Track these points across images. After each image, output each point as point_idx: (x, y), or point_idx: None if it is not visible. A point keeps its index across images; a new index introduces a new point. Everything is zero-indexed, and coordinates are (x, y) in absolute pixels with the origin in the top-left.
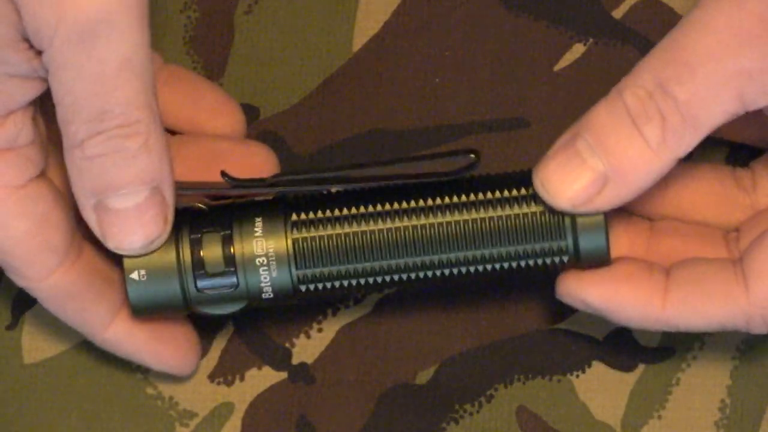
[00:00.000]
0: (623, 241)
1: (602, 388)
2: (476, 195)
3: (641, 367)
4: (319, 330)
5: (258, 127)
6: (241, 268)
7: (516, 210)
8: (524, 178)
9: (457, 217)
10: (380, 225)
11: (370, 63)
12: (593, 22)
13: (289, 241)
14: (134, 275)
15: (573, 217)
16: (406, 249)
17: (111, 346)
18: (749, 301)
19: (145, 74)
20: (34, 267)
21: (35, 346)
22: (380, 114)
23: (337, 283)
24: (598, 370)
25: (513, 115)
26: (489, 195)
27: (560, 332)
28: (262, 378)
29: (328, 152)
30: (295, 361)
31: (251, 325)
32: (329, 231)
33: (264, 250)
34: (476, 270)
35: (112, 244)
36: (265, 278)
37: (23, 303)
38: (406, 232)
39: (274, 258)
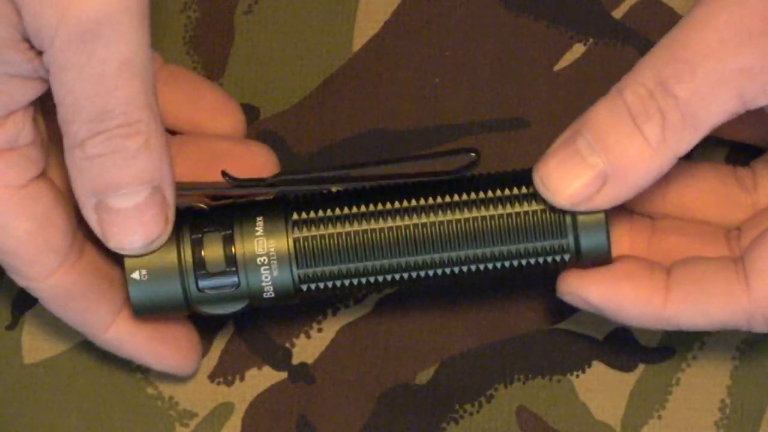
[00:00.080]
0: (624, 239)
1: (602, 388)
2: (477, 193)
3: (641, 367)
4: (319, 330)
5: (258, 127)
6: (242, 267)
7: (517, 208)
8: (525, 177)
9: (458, 215)
10: (381, 224)
11: (370, 63)
12: (593, 22)
13: (290, 241)
14: (135, 275)
15: (574, 215)
16: (407, 248)
17: (112, 346)
18: (750, 299)
19: (145, 74)
20: (36, 267)
21: (35, 346)
22: (380, 114)
23: (338, 283)
24: (598, 370)
25: (513, 115)
26: (490, 193)
27: (560, 332)
28: (262, 378)
29: (328, 152)
30: (295, 361)
31: (251, 325)
32: (330, 230)
33: (265, 250)
34: (477, 269)
35: (112, 244)
36: (266, 278)
37: (23, 303)
38: (407, 231)
39: (275, 257)
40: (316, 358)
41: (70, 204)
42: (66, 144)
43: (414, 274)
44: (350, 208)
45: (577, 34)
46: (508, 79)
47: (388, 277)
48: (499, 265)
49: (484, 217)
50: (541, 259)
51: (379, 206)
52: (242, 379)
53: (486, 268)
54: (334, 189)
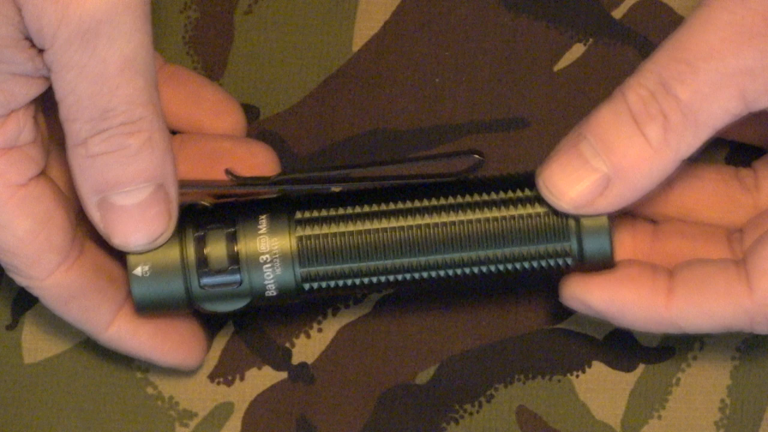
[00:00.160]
0: (627, 244)
1: (602, 388)
2: (481, 195)
3: (641, 367)
4: (319, 330)
5: (258, 127)
6: (244, 265)
7: (521, 211)
8: (529, 179)
9: (461, 216)
10: (384, 224)
11: (370, 63)
12: (593, 22)
13: (294, 239)
14: (138, 271)
15: (577, 219)
16: (409, 248)
17: (114, 344)
18: (753, 300)
19: (147, 72)
20: (36, 266)
21: (35, 346)
22: (380, 114)
23: (340, 282)
24: (598, 370)
25: (513, 115)
26: (494, 195)
27: (560, 332)
28: (262, 378)
29: (328, 152)
30: (295, 361)
31: (251, 325)
32: (333, 229)
33: (268, 248)
34: (480, 271)
35: (116, 241)
36: (268, 276)
37: (23, 303)
38: (410, 232)
39: (278, 256)
40: (316, 358)
41: (71, 202)
42: (68, 142)
43: (416, 276)
44: (354, 208)
45: (577, 34)
46: (508, 79)
47: (390, 278)
48: (501, 268)
49: (487, 219)
50: (543, 263)
51: (383, 206)
52: (242, 379)
53: (489, 270)
54: (337, 189)
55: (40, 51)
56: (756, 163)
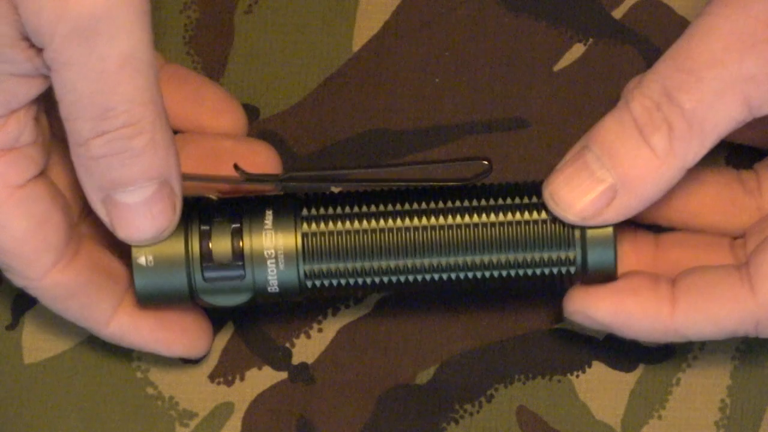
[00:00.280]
0: (629, 256)
1: (602, 388)
2: (488, 200)
3: (641, 367)
4: (319, 330)
5: (258, 127)
6: (248, 259)
7: (526, 216)
8: (536, 188)
9: (467, 220)
10: (390, 224)
11: (370, 63)
12: (593, 22)
13: (299, 235)
14: (141, 260)
15: (583, 229)
16: (414, 249)
17: (116, 338)
18: (757, 303)
19: (147, 71)
20: (33, 266)
21: (35, 346)
22: (380, 114)
23: (343, 281)
24: (598, 370)
25: (513, 115)
26: (500, 201)
27: (560, 332)
28: (262, 378)
29: (328, 152)
30: (295, 361)
31: (251, 325)
32: (339, 227)
33: (273, 243)
34: (483, 276)
35: (121, 236)
36: (272, 271)
37: (23, 303)
38: (416, 233)
39: (282, 251)
40: (316, 358)
41: (68, 202)
42: (70, 141)
43: (419, 277)
44: (360, 207)
45: (577, 34)
46: (508, 79)
47: (393, 279)
48: (504, 273)
49: (493, 224)
50: (547, 270)
51: (389, 207)
52: (242, 379)
53: (492, 276)
54: (343, 189)
55: (40, 50)
56: (758, 166)
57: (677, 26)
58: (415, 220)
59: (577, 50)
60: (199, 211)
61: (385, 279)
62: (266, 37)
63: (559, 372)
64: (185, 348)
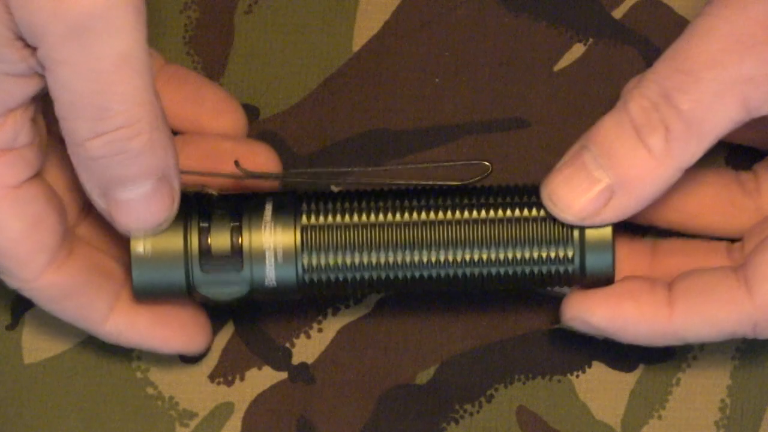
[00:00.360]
0: (626, 264)
1: (602, 388)
2: (487, 198)
3: (641, 367)
4: (319, 330)
5: (258, 127)
6: (247, 250)
7: (525, 214)
8: (535, 188)
9: (466, 216)
10: (389, 218)
11: (370, 63)
12: (593, 22)
13: (298, 228)
14: (140, 248)
15: (582, 229)
16: (413, 245)
17: (114, 337)
18: (754, 305)
19: (143, 70)
20: (28, 267)
21: (35, 346)
22: (380, 114)
23: (341, 276)
24: (598, 370)
25: (513, 115)
26: (500, 199)
27: (560, 332)
28: (262, 378)
29: (328, 152)
30: (295, 361)
31: (251, 325)
32: (338, 221)
33: (272, 235)
34: (481, 274)
35: (120, 228)
36: (270, 263)
37: (23, 303)
38: (415, 228)
39: (281, 243)
40: (316, 358)
41: (64, 204)
42: (67, 140)
43: (418, 274)
44: (359, 202)
45: (577, 34)
46: (508, 79)
47: (391, 275)
48: (503, 271)
49: (492, 220)
50: (545, 269)
51: (389, 202)
52: (242, 379)
53: (490, 273)
54: (344, 188)
55: (34, 49)
56: (757, 166)
57: (677, 26)
58: (414, 215)
59: (577, 50)
60: (199, 203)
61: (383, 275)
62: (266, 37)
63: (559, 372)
64: (183, 344)
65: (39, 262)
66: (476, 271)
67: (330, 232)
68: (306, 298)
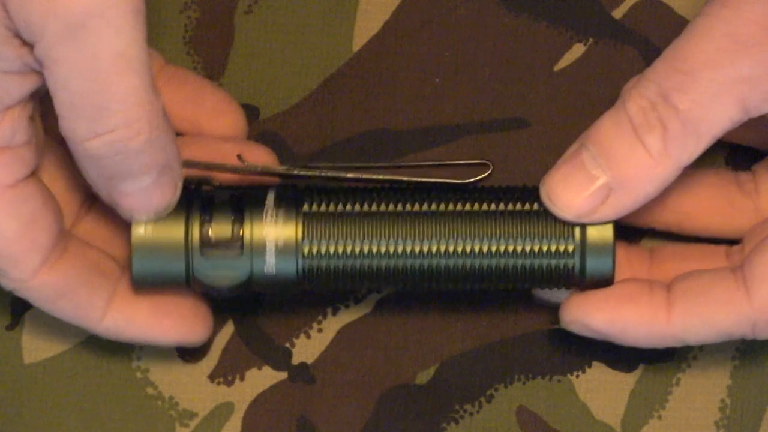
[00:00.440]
0: (624, 271)
1: (602, 388)
2: (490, 193)
3: (641, 367)
4: (319, 330)
5: (258, 127)
6: (248, 235)
7: (527, 207)
8: (535, 188)
9: (469, 207)
10: (391, 208)
11: (370, 63)
12: (593, 22)
13: (300, 215)
14: (141, 232)
15: (583, 227)
16: (412, 233)
17: (112, 333)
18: (753, 306)
19: (142, 69)
20: (22, 267)
21: (35, 346)
22: (380, 114)
23: (341, 264)
24: (598, 370)
25: (513, 115)
26: (503, 195)
27: (560, 332)
28: (262, 378)
29: (328, 152)
30: (295, 361)
31: (251, 325)
32: (340, 210)
33: (273, 221)
34: (481, 266)
35: (124, 215)
36: (270, 249)
37: (23, 303)
38: (414, 217)
39: (282, 229)
40: (316, 358)
41: (60, 204)
42: (67, 138)
43: (418, 264)
44: (362, 193)
45: (577, 34)
46: (508, 79)
47: (391, 264)
48: (503, 263)
49: (495, 212)
50: (545, 263)
51: (390, 193)
52: (242, 379)
53: (490, 267)
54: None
55: (31, 46)
56: (756, 167)
57: (677, 26)
58: (416, 206)
59: (577, 50)
60: (201, 190)
61: (384, 265)
62: (266, 37)
63: (559, 372)
64: (183, 335)
65: (33, 261)
66: (477, 263)
67: (332, 221)
68: (306, 294)
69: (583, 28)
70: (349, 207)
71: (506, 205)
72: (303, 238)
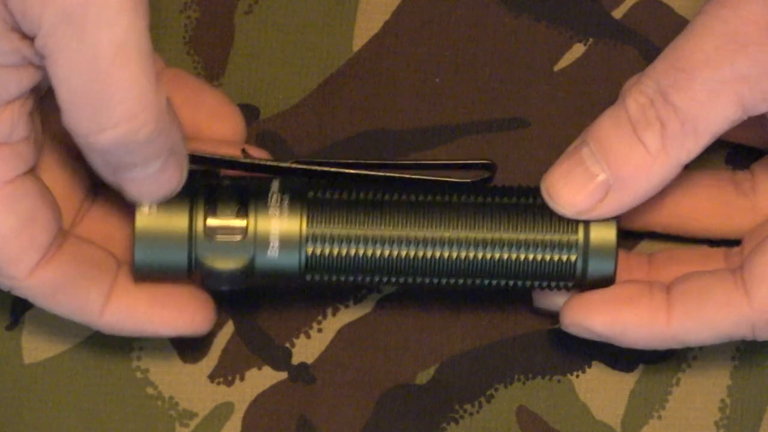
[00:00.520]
0: (624, 276)
1: (602, 388)
2: (495, 190)
3: (641, 367)
4: (319, 330)
5: (258, 127)
6: (252, 217)
7: (530, 201)
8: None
9: (474, 198)
10: (395, 196)
11: (370, 63)
12: (593, 22)
13: (305, 202)
14: (144, 214)
15: (586, 223)
16: (417, 220)
17: (112, 327)
18: (752, 307)
19: (143, 59)
20: (18, 265)
21: (35, 346)
22: (380, 114)
23: (344, 250)
24: (598, 370)
25: (513, 115)
26: (507, 189)
27: (560, 332)
28: (262, 378)
29: (328, 152)
30: (295, 361)
31: (251, 325)
32: (345, 196)
33: (278, 204)
34: (485, 256)
35: (130, 199)
36: (274, 231)
37: (23, 303)
38: (421, 206)
39: (286, 214)
40: (316, 358)
41: (58, 202)
42: (71, 132)
43: (421, 253)
44: (366, 182)
45: (577, 34)
46: (508, 79)
47: (395, 252)
48: (506, 256)
49: (499, 204)
50: (547, 255)
51: (396, 182)
52: (242, 379)
53: (492, 258)
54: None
55: (31, 39)
56: (754, 166)
57: (677, 26)
58: (421, 196)
59: (577, 50)
60: (206, 174)
61: (387, 252)
62: (266, 37)
63: (559, 372)
64: (185, 324)
65: (30, 260)
66: (481, 254)
67: (336, 207)
68: (306, 291)
69: (583, 28)
70: (354, 195)
71: (512, 198)
72: (308, 223)
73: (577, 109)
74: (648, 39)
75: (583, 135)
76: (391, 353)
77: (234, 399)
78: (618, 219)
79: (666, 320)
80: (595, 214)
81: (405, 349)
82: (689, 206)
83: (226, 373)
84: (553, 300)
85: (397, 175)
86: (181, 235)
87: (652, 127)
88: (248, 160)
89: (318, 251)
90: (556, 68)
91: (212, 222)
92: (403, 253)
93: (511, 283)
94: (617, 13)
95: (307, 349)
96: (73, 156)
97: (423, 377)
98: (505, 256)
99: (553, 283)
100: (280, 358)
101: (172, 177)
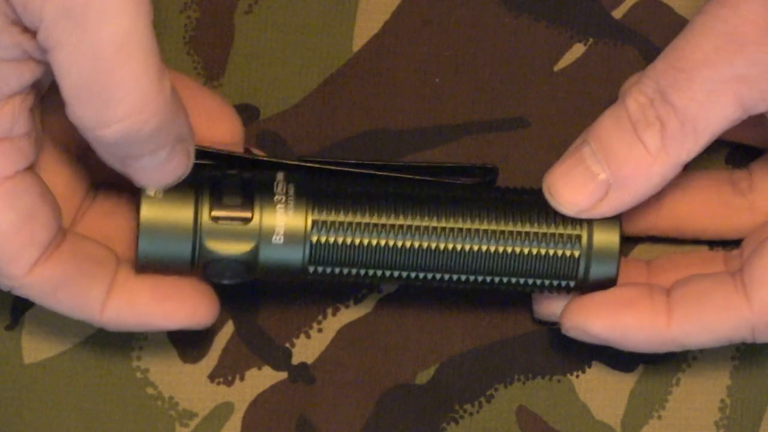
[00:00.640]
0: (623, 281)
1: (602, 388)
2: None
3: (641, 367)
4: (319, 330)
5: (258, 127)
6: (258, 202)
7: (534, 198)
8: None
9: (478, 193)
10: (399, 188)
11: (370, 63)
12: (593, 22)
13: (311, 190)
14: (150, 192)
15: (590, 222)
16: (420, 210)
17: (114, 322)
18: (752, 310)
19: (146, 55)
20: (17, 263)
21: (35, 346)
22: (380, 114)
23: (349, 239)
24: (598, 370)
25: (513, 115)
26: (512, 189)
27: (560, 332)
28: (262, 378)
29: (328, 152)
30: (295, 361)
31: (251, 325)
32: (350, 186)
33: (284, 191)
34: (488, 250)
35: (138, 185)
36: (280, 218)
37: (23, 303)
38: (424, 197)
39: (292, 200)
40: (316, 358)
41: (58, 200)
42: (76, 125)
43: (425, 245)
44: (371, 176)
45: (577, 34)
46: (508, 79)
47: (399, 243)
48: (509, 249)
49: (501, 198)
50: (551, 251)
51: (402, 175)
52: (242, 379)
53: (497, 252)
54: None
55: (33, 33)
56: (753, 165)
57: (677, 26)
58: (425, 188)
59: (577, 50)
60: (212, 160)
61: (391, 243)
62: (266, 37)
63: (559, 372)
64: (188, 317)
65: (30, 257)
66: (485, 248)
67: (342, 197)
68: (307, 290)
69: (583, 28)
70: (359, 186)
71: (516, 195)
72: (313, 212)
73: (577, 109)
74: (648, 39)
75: (584, 134)
76: (391, 353)
77: (234, 399)
78: (621, 220)
79: (666, 323)
80: (595, 213)
81: (405, 349)
82: (687, 208)
83: (226, 373)
84: (553, 309)
85: (400, 176)
86: (185, 223)
87: (652, 126)
88: (253, 156)
89: (323, 240)
90: (556, 68)
91: (217, 209)
92: (408, 244)
93: (513, 280)
94: (617, 13)
95: (307, 349)
96: (74, 155)
97: (423, 377)
98: (509, 249)
99: (555, 282)
100: (280, 358)
101: (180, 164)
